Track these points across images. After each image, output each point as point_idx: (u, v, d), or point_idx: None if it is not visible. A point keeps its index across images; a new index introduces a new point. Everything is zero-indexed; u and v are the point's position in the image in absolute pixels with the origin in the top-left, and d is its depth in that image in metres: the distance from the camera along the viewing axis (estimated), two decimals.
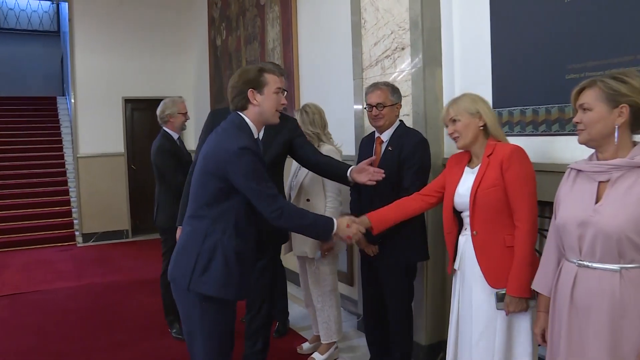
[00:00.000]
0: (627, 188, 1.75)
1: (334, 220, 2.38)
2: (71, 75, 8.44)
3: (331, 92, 4.64)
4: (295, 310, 4.70)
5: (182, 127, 4.37)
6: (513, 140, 2.95)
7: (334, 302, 3.64)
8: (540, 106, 2.86)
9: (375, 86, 3.09)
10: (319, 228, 2.36)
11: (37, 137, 10.38)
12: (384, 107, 3.02)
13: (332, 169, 3.03)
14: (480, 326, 2.33)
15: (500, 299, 2.26)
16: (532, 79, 2.92)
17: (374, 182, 2.75)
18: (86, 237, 8.36)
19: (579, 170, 1.91)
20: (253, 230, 2.37)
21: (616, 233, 1.73)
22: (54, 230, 8.42)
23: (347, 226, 2.40)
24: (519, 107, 2.99)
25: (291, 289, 4.89)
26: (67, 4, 8.44)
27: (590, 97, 1.84)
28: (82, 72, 8.31)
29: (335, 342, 3.70)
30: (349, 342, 4.02)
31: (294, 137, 3.13)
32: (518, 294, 2.22)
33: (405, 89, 3.48)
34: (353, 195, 3.31)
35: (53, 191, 9.25)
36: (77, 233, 8.45)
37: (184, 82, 8.57)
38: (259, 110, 2.36)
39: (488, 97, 3.12)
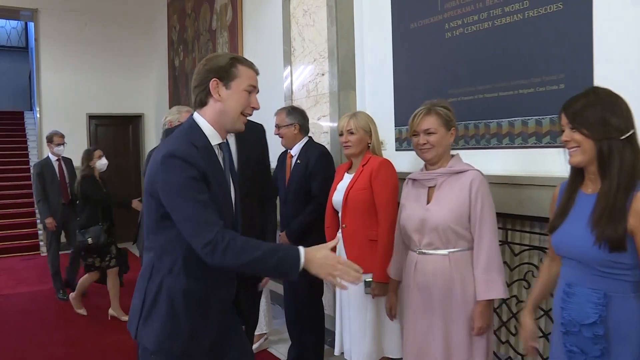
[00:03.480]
0: (448, 190, 2.29)
1: (300, 250, 1.71)
2: (37, 91, 8.86)
3: (269, 113, 5.13)
4: None
5: None
6: (408, 155, 3.50)
7: (263, 298, 4.10)
8: None
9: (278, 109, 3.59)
10: (275, 262, 1.69)
11: (4, 151, 10.67)
12: (280, 127, 3.52)
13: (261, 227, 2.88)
14: (354, 309, 2.82)
15: (367, 284, 2.76)
16: (421, 102, 3.45)
17: None
18: None
19: (414, 180, 2.43)
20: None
21: (443, 225, 2.25)
22: (18, 240, 8.74)
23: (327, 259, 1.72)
24: None
25: None
26: (33, 23, 8.88)
27: (433, 123, 2.36)
28: (47, 88, 8.72)
29: (265, 333, 4.16)
30: (281, 336, 4.45)
31: (263, 154, 2.97)
32: (382, 280, 2.72)
33: (325, 109, 4.01)
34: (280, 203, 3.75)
35: (19, 203, 9.56)
36: (41, 243, 8.77)
37: (145, 101, 8.99)
38: (220, 108, 1.84)
39: (391, 116, 3.67)
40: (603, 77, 2.49)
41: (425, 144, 2.35)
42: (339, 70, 3.91)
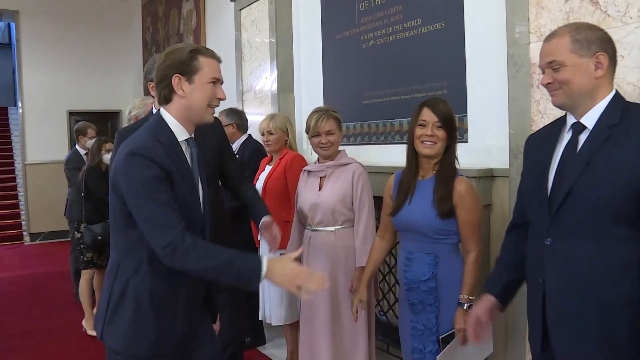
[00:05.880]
0: (335, 179, 2.84)
1: (262, 259, 1.72)
2: (19, 89, 9.36)
3: None
4: None
5: None
6: None
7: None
8: (350, 123, 3.96)
9: None
10: (236, 270, 1.71)
11: None
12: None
13: (251, 210, 2.63)
14: None
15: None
16: (344, 103, 4.01)
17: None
18: (33, 236, 9.25)
19: (309, 171, 2.97)
20: None
21: (331, 206, 2.80)
22: (3, 230, 9.26)
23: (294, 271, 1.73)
24: None
25: None
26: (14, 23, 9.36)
27: (332, 125, 2.86)
28: (29, 86, 9.23)
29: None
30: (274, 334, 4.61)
31: (222, 142, 2.71)
32: None
33: (268, 109, 4.55)
34: None
35: (3, 195, 10.05)
36: (24, 233, 9.31)
37: (122, 98, 9.48)
38: (185, 104, 1.80)
39: None
40: (473, 84, 3.05)
41: (326, 142, 2.87)
42: (279, 75, 4.46)
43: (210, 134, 2.50)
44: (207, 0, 6.19)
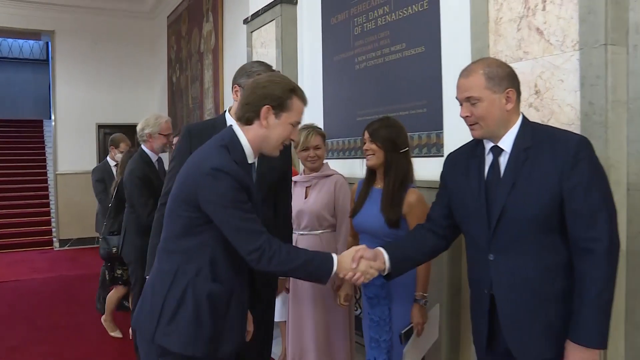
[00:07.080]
0: (319, 189, 3.17)
1: (334, 257, 1.95)
2: (52, 103, 9.98)
3: None
4: None
5: (163, 150, 4.02)
6: (333, 163, 4.38)
7: None
8: (345, 138, 4.30)
9: None
10: (313, 269, 1.91)
11: (25, 156, 11.79)
12: None
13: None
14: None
15: None
16: (340, 120, 4.36)
17: None
18: (62, 242, 9.80)
19: (296, 181, 3.30)
20: (239, 271, 1.96)
21: (316, 212, 3.13)
22: (34, 236, 9.84)
23: (353, 261, 2.01)
24: (335, 139, 4.43)
25: None
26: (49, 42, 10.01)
27: (319, 140, 3.21)
28: (62, 100, 9.86)
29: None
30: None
31: (286, 169, 2.69)
32: None
33: None
34: None
35: (36, 203, 10.65)
36: (54, 239, 9.87)
37: (148, 111, 9.92)
38: (263, 134, 1.90)
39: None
40: (448, 103, 3.36)
41: (314, 156, 3.20)
42: None
43: (281, 160, 2.46)
44: (225, 22, 6.63)
